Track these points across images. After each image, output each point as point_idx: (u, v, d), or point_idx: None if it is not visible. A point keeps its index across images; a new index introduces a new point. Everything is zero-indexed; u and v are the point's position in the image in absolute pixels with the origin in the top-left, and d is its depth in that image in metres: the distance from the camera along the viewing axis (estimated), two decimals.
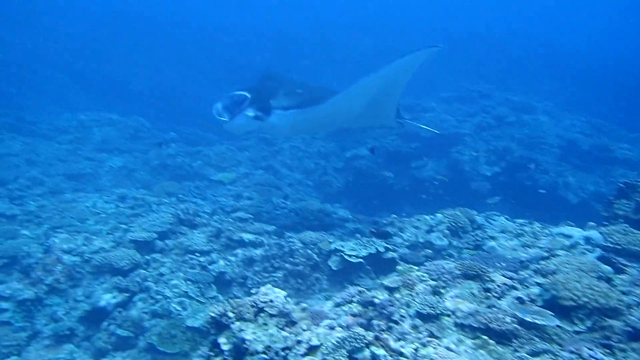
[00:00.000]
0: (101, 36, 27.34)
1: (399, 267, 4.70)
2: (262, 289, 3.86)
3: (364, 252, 5.91)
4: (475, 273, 4.06)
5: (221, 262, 6.55)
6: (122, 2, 32.99)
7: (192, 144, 14.72)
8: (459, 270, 4.16)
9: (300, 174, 13.75)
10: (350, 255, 5.89)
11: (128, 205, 9.25)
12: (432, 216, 6.77)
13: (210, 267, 6.49)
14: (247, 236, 6.88)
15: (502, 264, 4.64)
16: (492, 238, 5.91)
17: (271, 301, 3.75)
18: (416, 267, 4.61)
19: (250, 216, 8.13)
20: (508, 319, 3.48)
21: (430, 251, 6.14)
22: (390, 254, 5.92)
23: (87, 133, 15.23)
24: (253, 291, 4.10)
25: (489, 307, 3.74)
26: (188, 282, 6.17)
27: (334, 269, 5.98)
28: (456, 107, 15.44)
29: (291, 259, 6.15)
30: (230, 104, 6.53)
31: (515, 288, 3.95)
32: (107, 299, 5.97)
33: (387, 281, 4.30)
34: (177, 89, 21.97)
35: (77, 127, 15.48)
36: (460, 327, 3.61)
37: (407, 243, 6.40)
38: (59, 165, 13.07)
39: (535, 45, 28.21)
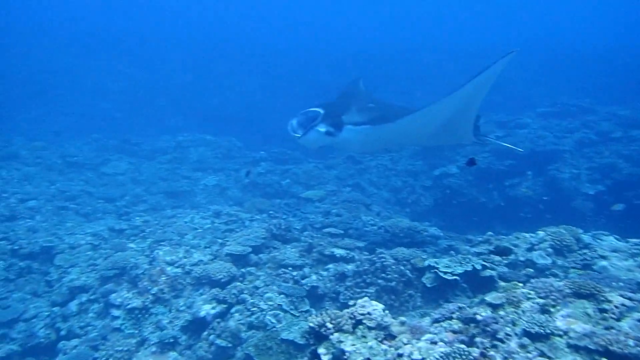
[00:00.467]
0: (198, 65, 29.04)
1: (501, 284, 4.49)
2: (360, 301, 3.83)
3: (459, 269, 5.70)
4: (588, 292, 3.77)
5: (313, 277, 6.61)
6: (220, 34, 35.18)
7: (281, 162, 15.09)
8: (570, 288, 3.88)
9: (388, 192, 13.66)
10: (445, 272, 5.71)
11: (223, 221, 9.62)
12: (532, 234, 6.43)
13: (302, 281, 6.56)
14: (338, 251, 6.90)
15: (618, 283, 4.30)
16: (603, 257, 5.49)
17: (369, 314, 3.71)
18: (521, 284, 4.38)
19: (340, 232, 8.17)
20: (631, 342, 3.20)
21: (532, 270, 5.81)
22: (489, 272, 5.66)
23: (184, 153, 16.12)
24: (350, 303, 4.06)
25: (607, 328, 3.45)
26: (282, 296, 6.27)
27: (428, 285, 5.82)
28: (554, 122, 14.68)
29: (384, 275, 6.07)
30: (304, 120, 6.59)
31: (636, 310, 3.63)
32: (206, 309, 6.20)
33: (490, 298, 4.10)
34: (267, 111, 22.67)
35: (176, 147, 16.45)
36: (575, 348, 3.35)
37: (505, 261, 6.12)
38: (160, 184, 13.93)
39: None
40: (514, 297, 3.98)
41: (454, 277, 5.68)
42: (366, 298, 3.88)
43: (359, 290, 6.14)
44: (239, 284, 6.55)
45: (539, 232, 6.32)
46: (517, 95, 22.90)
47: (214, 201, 13.12)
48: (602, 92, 21.17)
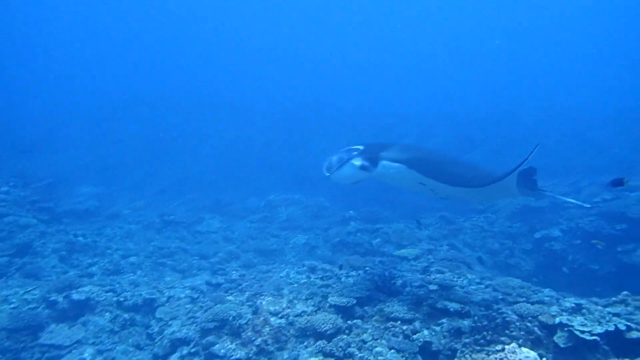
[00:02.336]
0: (289, 126, 30.01)
1: None
2: (509, 347, 3.39)
3: (599, 329, 5.07)
4: None
5: (425, 332, 6.12)
6: (309, 97, 36.68)
7: (371, 221, 14.82)
8: None
9: (484, 254, 12.93)
10: (582, 331, 5.09)
11: (318, 276, 9.39)
12: None
13: (414, 336, 6.09)
14: (452, 305, 6.40)
15: None
16: None
17: None
18: None
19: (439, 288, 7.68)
20: None
21: None
22: (636, 334, 4.99)
23: (273, 212, 16.30)
24: (498, 348, 3.61)
25: None
26: (392, 350, 5.82)
27: (562, 346, 5.20)
28: None
29: (507, 332, 5.51)
30: (341, 158, 6.30)
31: None
32: None
33: None
34: None
35: (265, 206, 16.69)
36: None
37: None
38: (250, 242, 14.04)
39: None
40: None
41: (593, 337, 5.04)
42: (514, 344, 3.43)
43: (478, 347, 5.60)
44: (345, 336, 6.18)
45: None
46: (621, 160, 21.62)
47: (303, 260, 12.98)
48: None
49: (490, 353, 3.49)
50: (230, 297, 8.41)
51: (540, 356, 5.31)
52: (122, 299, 8.68)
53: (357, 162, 6.14)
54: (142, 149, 26.91)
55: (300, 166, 25.20)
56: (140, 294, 8.81)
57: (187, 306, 8.51)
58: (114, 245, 12.65)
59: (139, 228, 14.36)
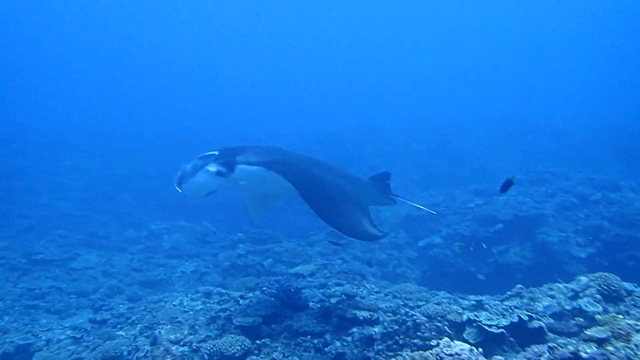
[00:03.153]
0: (160, 156, 28.67)
1: (597, 317, 4.07)
2: (442, 341, 3.35)
3: (504, 321, 5.26)
4: None
5: (337, 343, 5.97)
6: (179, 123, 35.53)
7: (260, 242, 14.50)
8: None
9: (374, 266, 13.24)
10: (489, 325, 5.25)
11: (215, 300, 8.89)
12: (567, 283, 6.13)
13: (325, 349, 5.91)
14: (361, 313, 6.33)
15: None
16: None
17: (457, 354, 3.23)
18: (620, 316, 3.99)
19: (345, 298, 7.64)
20: None
21: (582, 319, 5.42)
22: (537, 323, 5.24)
23: (157, 241, 15.34)
24: (433, 343, 3.55)
25: None
26: None
27: (472, 342, 5.31)
28: (532, 189, 14.98)
29: (419, 334, 5.55)
30: (195, 165, 5.69)
31: None
32: None
33: (590, 332, 3.68)
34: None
35: (148, 236, 15.65)
36: None
37: (548, 312, 5.72)
38: (134, 274, 13.06)
39: (594, 129, 28.12)
40: (619, 329, 3.56)
41: (500, 329, 5.22)
42: (447, 339, 3.39)
43: (391, 353, 5.57)
44: (255, 357, 5.84)
45: (581, 277, 6.03)
46: (481, 169, 23.60)
47: (194, 288, 12.32)
48: (570, 161, 22.06)
49: (409, 355, 3.43)
50: (120, 332, 7.65)
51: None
52: None
53: (213, 167, 5.58)
54: None
55: (177, 195, 24.15)
56: (12, 341, 7.69)
57: (70, 347, 7.56)
58: None
59: (1, 271, 12.68)
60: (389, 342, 5.71)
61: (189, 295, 9.39)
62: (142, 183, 25.62)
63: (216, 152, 5.79)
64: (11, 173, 25.75)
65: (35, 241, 15.44)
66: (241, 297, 8.74)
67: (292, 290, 7.34)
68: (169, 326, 6.93)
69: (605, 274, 5.95)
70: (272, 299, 7.17)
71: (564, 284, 6.15)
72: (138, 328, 7.68)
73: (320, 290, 8.90)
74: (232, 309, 8.03)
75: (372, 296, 8.37)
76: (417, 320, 5.73)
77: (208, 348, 5.99)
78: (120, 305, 9.33)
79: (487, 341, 5.31)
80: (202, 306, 8.67)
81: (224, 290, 9.39)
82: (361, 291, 8.62)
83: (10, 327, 8.88)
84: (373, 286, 9.13)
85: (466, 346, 3.27)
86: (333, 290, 8.73)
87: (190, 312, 8.33)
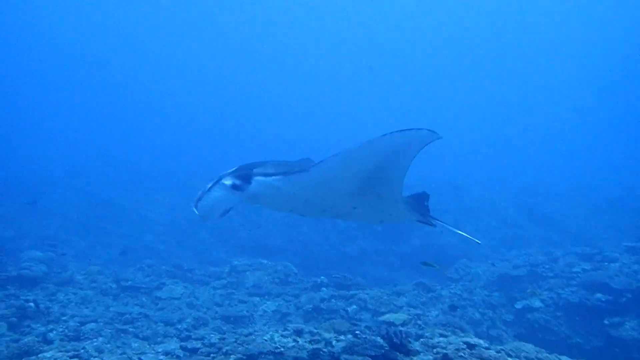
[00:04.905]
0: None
1: None
2: None
3: None
4: None
5: None
6: None
7: (344, 287, 14.23)
8: None
9: (467, 324, 12.58)
10: None
11: (306, 339, 8.69)
12: None
13: None
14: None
15: None
16: None
17: None
18: None
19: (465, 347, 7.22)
20: None
21: None
22: None
23: (240, 277, 15.43)
24: None
25: None
26: None
27: None
28: None
29: None
30: (210, 183, 5.38)
31: None
32: None
33: None
34: (315, 242, 22.48)
35: (231, 272, 15.79)
36: None
37: None
38: (216, 309, 13.16)
39: None
40: None
41: None
42: None
43: None
44: None
45: None
46: (578, 233, 22.40)
47: (277, 327, 12.21)
48: None
49: None
50: None
51: None
52: None
53: (228, 181, 5.24)
54: (84, 219, 25.49)
55: (254, 236, 24.56)
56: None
57: None
58: (69, 311, 11.47)
59: (94, 294, 13.17)
60: None
61: (279, 331, 9.26)
62: (221, 222, 26.17)
63: (233, 168, 5.51)
64: (101, 204, 27.29)
65: (125, 268, 16.01)
66: (335, 338, 8.54)
67: (403, 334, 7.01)
68: (271, 357, 6.77)
69: None
70: (379, 340, 6.87)
71: None
72: (232, 358, 7.60)
73: (421, 340, 8.50)
74: (326, 349, 7.83)
75: (490, 351, 7.86)
76: None
77: None
78: (212, 335, 9.29)
79: None
80: (293, 343, 8.50)
81: (314, 330, 9.20)
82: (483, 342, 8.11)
83: (105, 348, 9.10)
84: (481, 341, 8.62)
85: None
86: (437, 340, 8.28)
87: (282, 349, 8.19)
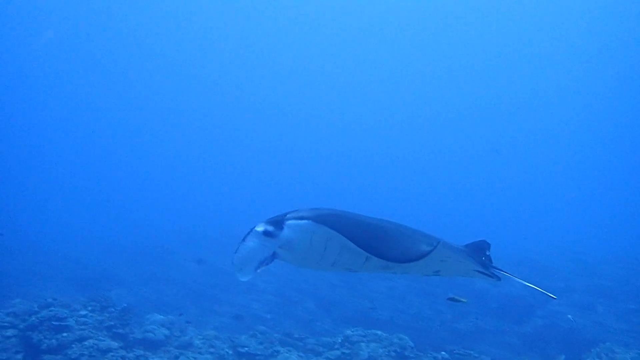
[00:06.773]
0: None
1: None
2: None
3: None
4: None
5: None
6: None
7: None
8: None
9: None
10: None
11: None
12: None
13: None
14: None
15: None
16: None
17: None
18: None
19: None
20: None
21: None
22: None
23: (353, 348, 15.01)
24: None
25: None
26: None
27: None
28: None
29: None
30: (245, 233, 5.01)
31: None
32: None
33: None
34: (425, 317, 21.65)
35: (344, 342, 15.43)
36: None
37: None
38: None
39: None
40: None
41: None
42: None
43: None
44: None
45: None
46: None
47: None
48: None
49: None
50: None
51: None
52: None
53: (260, 227, 4.82)
54: (196, 286, 26.55)
55: (361, 307, 24.06)
56: None
57: None
58: None
59: (212, 358, 13.40)
60: None
61: None
62: (326, 292, 26.07)
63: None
64: (214, 272, 28.29)
65: (238, 334, 16.19)
66: None
67: None
68: None
69: None
70: None
71: None
72: None
73: None
74: None
75: None
76: None
77: None
78: None
79: None
80: None
81: None
82: None
83: None
84: None
85: None
86: None
87: None
